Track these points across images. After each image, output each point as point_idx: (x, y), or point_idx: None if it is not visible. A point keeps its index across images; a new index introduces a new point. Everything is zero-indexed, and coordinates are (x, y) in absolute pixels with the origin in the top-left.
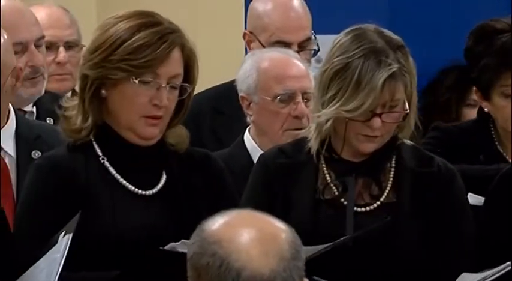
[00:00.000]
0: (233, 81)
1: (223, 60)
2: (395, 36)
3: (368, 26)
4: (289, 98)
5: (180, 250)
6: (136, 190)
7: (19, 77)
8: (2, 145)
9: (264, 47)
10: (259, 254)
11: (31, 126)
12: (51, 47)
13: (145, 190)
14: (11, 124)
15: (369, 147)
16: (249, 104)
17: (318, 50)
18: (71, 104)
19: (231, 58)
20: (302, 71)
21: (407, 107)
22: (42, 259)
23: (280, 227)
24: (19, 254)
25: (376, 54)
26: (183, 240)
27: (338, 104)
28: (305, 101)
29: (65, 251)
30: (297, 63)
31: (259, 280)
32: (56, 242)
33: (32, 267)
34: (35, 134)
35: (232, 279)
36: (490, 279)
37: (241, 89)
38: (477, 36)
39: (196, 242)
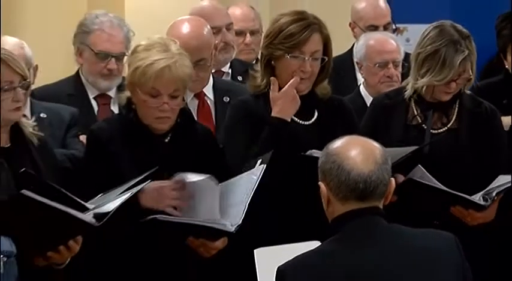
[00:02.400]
0: (346, 53)
1: (338, 40)
2: (464, 30)
3: (446, 22)
4: (384, 65)
5: (315, 155)
6: (298, 120)
7: (216, 48)
8: (205, 92)
9: (361, 29)
10: (361, 161)
11: (223, 82)
12: (241, 33)
13: (304, 121)
14: (211, 82)
15: (447, 97)
16: (361, 67)
17: (395, 30)
18: (257, 69)
19: (344, 38)
20: (394, 47)
21: (471, 74)
22: (244, 175)
23: (374, 145)
24: (230, 163)
25: (454, 44)
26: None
27: (430, 77)
28: (394, 66)
29: (259, 177)
30: (391, 41)
31: (362, 177)
32: (253, 166)
33: (237, 177)
34: (225, 88)
35: (345, 177)
36: None
37: (357, 57)
38: (502, 18)
39: (324, 154)
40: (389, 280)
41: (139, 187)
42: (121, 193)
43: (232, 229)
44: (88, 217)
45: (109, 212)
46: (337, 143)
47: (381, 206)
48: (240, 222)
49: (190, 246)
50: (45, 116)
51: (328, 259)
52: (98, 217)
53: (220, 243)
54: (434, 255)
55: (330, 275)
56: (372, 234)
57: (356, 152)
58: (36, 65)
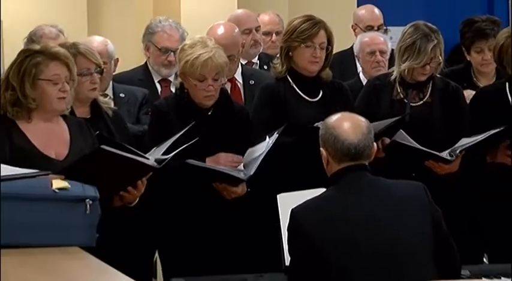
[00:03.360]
0: (349, 49)
1: (342, 38)
2: (433, 26)
3: (420, 22)
4: (372, 53)
5: (316, 125)
6: (307, 98)
7: (244, 45)
8: (235, 76)
9: (361, 29)
10: (352, 132)
11: (248, 69)
12: (269, 33)
13: (312, 98)
14: (239, 69)
15: (424, 78)
16: (359, 58)
17: (386, 30)
18: (276, 62)
19: (345, 37)
20: (380, 40)
21: (441, 60)
22: (262, 144)
23: (361, 119)
24: (255, 134)
25: (426, 36)
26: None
27: (410, 61)
28: (381, 54)
29: (272, 142)
30: (378, 37)
31: (353, 144)
32: (272, 135)
33: (258, 145)
34: (250, 73)
35: (340, 145)
36: (481, 139)
37: (355, 50)
38: (464, 24)
39: (323, 127)
40: (374, 217)
41: (187, 144)
42: (170, 146)
43: (245, 177)
44: (151, 161)
45: (166, 159)
46: (333, 118)
47: (367, 164)
48: (252, 173)
49: (216, 189)
50: (123, 95)
51: (330, 202)
52: (159, 161)
53: (240, 189)
54: (407, 199)
55: (332, 214)
56: (360, 184)
57: (348, 125)
58: (117, 58)
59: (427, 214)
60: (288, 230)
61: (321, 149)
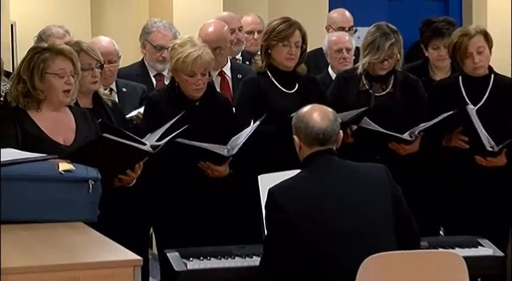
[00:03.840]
0: (320, 48)
1: (315, 38)
2: (393, 27)
3: (382, 23)
4: (339, 51)
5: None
6: (285, 90)
7: (232, 42)
8: (224, 70)
9: (334, 30)
10: (320, 120)
11: (236, 64)
12: (251, 32)
13: (289, 90)
14: (229, 64)
15: (383, 72)
16: (327, 55)
17: (355, 31)
18: (257, 58)
19: (320, 37)
20: (346, 39)
21: (399, 57)
22: (245, 130)
23: (329, 109)
24: (239, 123)
25: (385, 35)
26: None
27: (370, 56)
28: (347, 51)
29: (253, 129)
30: (344, 36)
31: (321, 130)
32: (249, 125)
33: (242, 132)
34: (238, 67)
35: (310, 131)
36: (437, 120)
37: (324, 48)
38: (423, 23)
39: (295, 117)
40: (341, 196)
41: (178, 131)
42: (163, 133)
43: (227, 154)
44: (147, 147)
45: (160, 145)
46: (304, 110)
47: (334, 148)
48: (234, 152)
49: (201, 168)
50: (125, 90)
51: (303, 182)
52: (154, 147)
53: (222, 168)
54: (370, 179)
55: (304, 193)
56: (329, 166)
57: (316, 114)
58: (120, 55)
59: (388, 193)
60: (265, 207)
61: (294, 136)
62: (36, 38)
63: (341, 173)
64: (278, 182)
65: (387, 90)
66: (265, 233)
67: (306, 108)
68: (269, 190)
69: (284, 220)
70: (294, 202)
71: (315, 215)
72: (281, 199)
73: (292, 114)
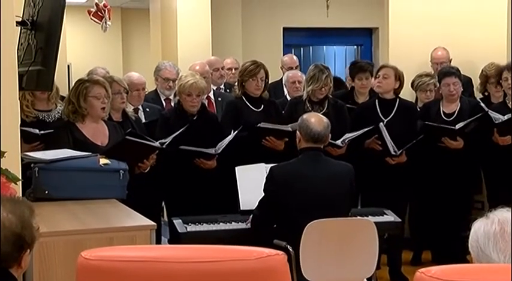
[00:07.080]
0: (279, 80)
1: (275, 74)
2: (326, 65)
3: (318, 63)
4: (293, 83)
5: (263, 126)
6: (254, 109)
7: (212, 75)
8: (210, 95)
9: (285, 69)
10: (317, 124)
11: (217, 92)
12: (230, 69)
13: (257, 109)
14: (212, 92)
15: (322, 97)
16: (285, 85)
17: (301, 69)
18: (235, 88)
19: (277, 73)
20: (298, 75)
21: (331, 85)
22: (228, 137)
23: (324, 117)
24: (223, 131)
25: (321, 70)
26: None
27: (311, 86)
28: (298, 83)
29: (233, 136)
30: (297, 73)
31: (316, 132)
32: (230, 133)
33: (226, 138)
34: (218, 94)
35: (309, 131)
36: (360, 133)
37: (284, 81)
38: (352, 63)
39: (301, 119)
40: (318, 179)
41: (180, 131)
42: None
43: (214, 153)
44: (157, 144)
45: (166, 142)
46: (308, 115)
47: (322, 147)
48: (219, 151)
49: (196, 163)
50: (148, 109)
51: (295, 166)
52: (161, 144)
53: (210, 162)
54: (341, 173)
55: (294, 173)
56: (315, 159)
57: (315, 119)
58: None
59: (347, 183)
60: (266, 178)
61: (297, 132)
62: (86, 75)
63: (321, 164)
64: (250, 172)
65: (323, 110)
66: (242, 206)
67: (306, 115)
68: (270, 168)
69: (274, 190)
70: (286, 178)
71: (298, 190)
72: (277, 174)
73: (259, 124)
